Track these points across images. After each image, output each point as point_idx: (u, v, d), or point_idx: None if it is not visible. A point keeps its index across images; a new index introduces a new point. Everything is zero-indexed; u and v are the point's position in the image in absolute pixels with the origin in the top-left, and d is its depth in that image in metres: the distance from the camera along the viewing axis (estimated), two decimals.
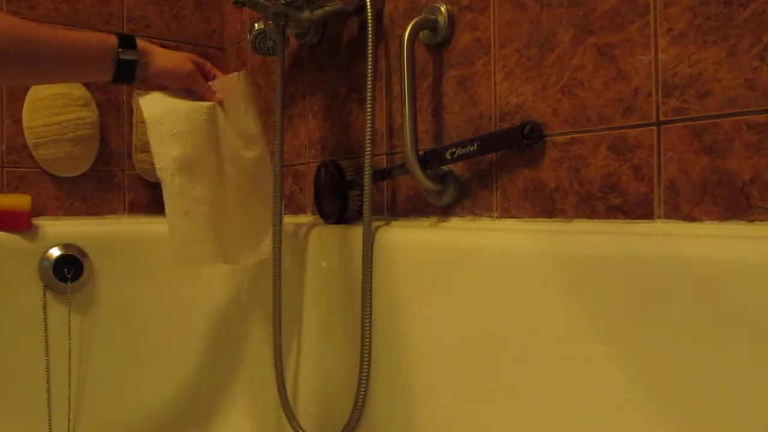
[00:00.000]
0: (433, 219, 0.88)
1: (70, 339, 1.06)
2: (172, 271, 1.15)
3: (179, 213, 0.87)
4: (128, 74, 0.84)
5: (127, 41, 0.82)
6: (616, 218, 0.67)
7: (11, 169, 1.16)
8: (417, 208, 0.91)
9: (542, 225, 0.73)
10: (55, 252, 1.05)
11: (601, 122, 0.68)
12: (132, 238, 1.15)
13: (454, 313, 0.73)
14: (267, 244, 0.98)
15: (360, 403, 0.84)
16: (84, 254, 1.08)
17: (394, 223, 0.92)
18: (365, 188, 0.86)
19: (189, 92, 0.91)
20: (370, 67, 0.88)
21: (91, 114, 1.20)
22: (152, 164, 1.26)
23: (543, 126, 0.74)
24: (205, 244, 0.89)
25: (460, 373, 0.72)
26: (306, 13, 1.00)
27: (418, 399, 0.78)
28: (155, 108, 0.87)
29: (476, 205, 0.82)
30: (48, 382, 1.04)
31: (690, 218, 0.61)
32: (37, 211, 1.17)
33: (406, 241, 0.82)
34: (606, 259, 0.59)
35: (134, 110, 1.25)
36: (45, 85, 1.16)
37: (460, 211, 0.85)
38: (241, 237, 0.96)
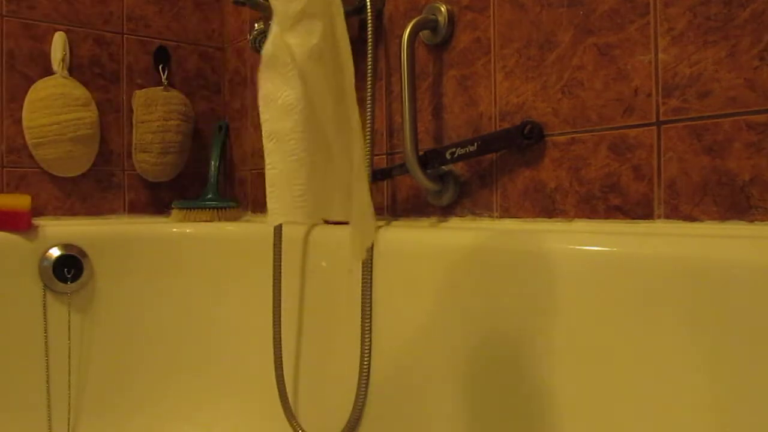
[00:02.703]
0: (433, 219, 0.88)
1: (70, 339, 1.06)
2: (171, 271, 1.15)
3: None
4: None
5: None
6: (616, 218, 0.67)
7: (11, 169, 1.16)
8: (417, 208, 0.91)
9: (542, 225, 0.73)
10: (55, 252, 1.05)
11: (601, 122, 0.68)
12: (132, 238, 1.15)
13: (454, 313, 0.73)
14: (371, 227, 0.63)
15: (360, 403, 0.84)
16: (84, 254, 1.08)
17: (394, 223, 0.92)
18: None
19: None
20: (370, 67, 0.88)
21: (91, 114, 1.20)
22: (152, 164, 1.28)
23: (543, 126, 0.74)
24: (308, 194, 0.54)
25: (461, 373, 0.72)
26: None
27: (418, 399, 0.78)
28: None
29: (476, 205, 0.82)
30: (48, 382, 1.04)
31: (690, 218, 0.61)
32: (37, 211, 1.17)
33: (406, 241, 0.82)
34: (606, 258, 0.59)
35: (134, 110, 1.25)
36: (45, 85, 1.16)
37: (460, 211, 0.85)
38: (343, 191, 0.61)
